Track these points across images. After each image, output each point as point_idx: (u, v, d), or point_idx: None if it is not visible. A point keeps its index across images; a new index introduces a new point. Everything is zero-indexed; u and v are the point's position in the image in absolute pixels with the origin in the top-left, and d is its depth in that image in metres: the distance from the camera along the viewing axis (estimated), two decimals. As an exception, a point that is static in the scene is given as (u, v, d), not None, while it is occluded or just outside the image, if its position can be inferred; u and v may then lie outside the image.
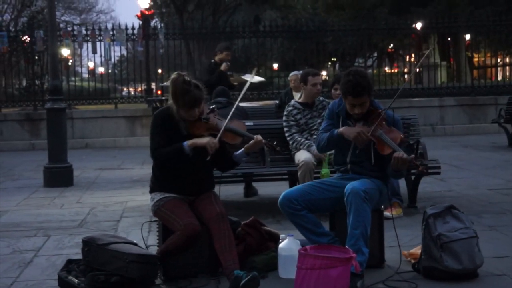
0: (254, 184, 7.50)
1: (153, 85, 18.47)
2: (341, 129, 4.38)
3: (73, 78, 18.59)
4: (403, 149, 4.23)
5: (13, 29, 17.84)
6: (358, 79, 4.26)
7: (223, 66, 9.37)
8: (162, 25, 30.78)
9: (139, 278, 3.94)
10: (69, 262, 4.25)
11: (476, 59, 23.64)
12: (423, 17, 20.18)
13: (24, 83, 19.87)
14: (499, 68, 25.39)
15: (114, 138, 14.78)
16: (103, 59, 16.42)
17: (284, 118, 6.45)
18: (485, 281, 4.09)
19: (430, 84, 17.21)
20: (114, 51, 16.42)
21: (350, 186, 4.17)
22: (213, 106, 4.65)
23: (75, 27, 16.11)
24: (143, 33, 15.59)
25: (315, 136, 5.84)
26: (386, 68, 31.11)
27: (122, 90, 22.02)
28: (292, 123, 6.37)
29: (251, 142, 4.34)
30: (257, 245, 4.46)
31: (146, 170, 9.61)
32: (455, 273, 4.06)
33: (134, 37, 15.56)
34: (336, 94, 6.58)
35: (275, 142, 4.45)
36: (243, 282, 3.77)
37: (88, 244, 4.10)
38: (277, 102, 9.79)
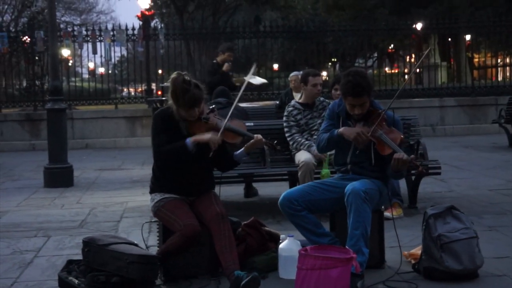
0: (254, 184, 7.50)
1: (154, 86, 18.47)
2: (341, 129, 4.38)
3: (73, 79, 18.58)
4: (403, 150, 4.23)
5: (13, 30, 17.83)
6: (358, 79, 4.26)
7: (225, 67, 9.37)
8: (162, 25, 30.73)
9: (139, 278, 3.94)
10: (70, 262, 4.25)
11: (476, 60, 23.63)
12: (424, 18, 20.18)
13: (24, 83, 19.88)
14: (499, 69, 25.39)
15: (114, 138, 14.77)
16: (103, 59, 16.45)
17: (284, 118, 6.45)
18: (485, 282, 4.09)
19: (430, 84, 17.19)
20: (114, 52, 16.45)
21: (350, 186, 4.17)
22: (213, 106, 4.66)
23: (76, 28, 16.12)
24: (143, 34, 15.58)
25: (315, 137, 5.84)
26: (387, 69, 31.11)
27: (122, 90, 22.05)
28: (292, 123, 6.37)
29: (251, 141, 4.34)
30: (258, 246, 4.46)
31: (146, 170, 9.61)
32: (456, 274, 4.06)
33: (135, 37, 15.56)
34: (337, 94, 6.57)
35: (275, 141, 4.45)
36: (243, 282, 3.77)
37: (89, 245, 4.10)
38: (277, 102, 9.78)
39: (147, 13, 18.59)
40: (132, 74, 17.71)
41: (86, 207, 7.13)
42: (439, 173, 6.61)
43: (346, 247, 4.01)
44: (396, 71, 24.73)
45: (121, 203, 7.31)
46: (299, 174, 5.98)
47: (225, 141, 4.32)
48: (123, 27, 15.49)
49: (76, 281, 4.00)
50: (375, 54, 33.22)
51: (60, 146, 8.90)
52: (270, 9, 35.91)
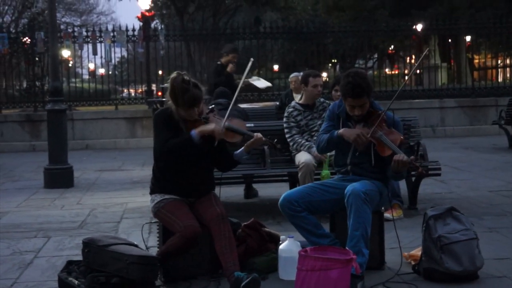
0: (255, 185, 7.50)
1: (154, 87, 18.46)
2: (341, 130, 4.38)
3: (73, 80, 18.58)
4: (403, 151, 4.23)
5: (13, 31, 17.83)
6: (358, 80, 4.26)
7: (229, 68, 9.38)
8: (162, 26, 30.74)
9: (139, 279, 3.94)
10: (69, 263, 4.25)
11: (476, 61, 23.66)
12: (424, 19, 20.18)
13: (24, 84, 19.84)
14: (499, 70, 25.42)
15: (114, 139, 14.78)
16: (103, 60, 16.43)
17: (284, 119, 6.45)
18: (485, 283, 4.09)
19: (430, 85, 17.21)
20: (114, 53, 16.46)
21: (350, 187, 4.17)
22: (212, 106, 4.66)
23: (76, 29, 16.16)
24: (144, 35, 15.59)
25: (315, 138, 5.84)
26: (387, 70, 31.12)
27: (122, 91, 22.04)
28: (292, 124, 6.36)
29: (251, 140, 4.33)
30: (258, 247, 4.46)
31: (146, 171, 9.62)
32: (456, 275, 4.05)
33: (135, 38, 15.57)
34: (337, 95, 6.58)
35: (275, 140, 4.45)
36: (243, 283, 3.77)
37: (89, 245, 4.10)
38: (278, 103, 9.79)
39: (147, 14, 18.54)
40: (132, 75, 17.71)
41: (86, 208, 7.14)
42: (439, 174, 6.61)
43: (346, 248, 4.01)
44: (396, 72, 24.75)
45: (121, 204, 7.31)
46: (299, 175, 5.98)
47: (225, 140, 4.32)
48: (124, 28, 15.51)
49: (76, 282, 3.99)
50: (375, 55, 33.25)
51: (60, 147, 8.90)
52: (270, 10, 35.96)
